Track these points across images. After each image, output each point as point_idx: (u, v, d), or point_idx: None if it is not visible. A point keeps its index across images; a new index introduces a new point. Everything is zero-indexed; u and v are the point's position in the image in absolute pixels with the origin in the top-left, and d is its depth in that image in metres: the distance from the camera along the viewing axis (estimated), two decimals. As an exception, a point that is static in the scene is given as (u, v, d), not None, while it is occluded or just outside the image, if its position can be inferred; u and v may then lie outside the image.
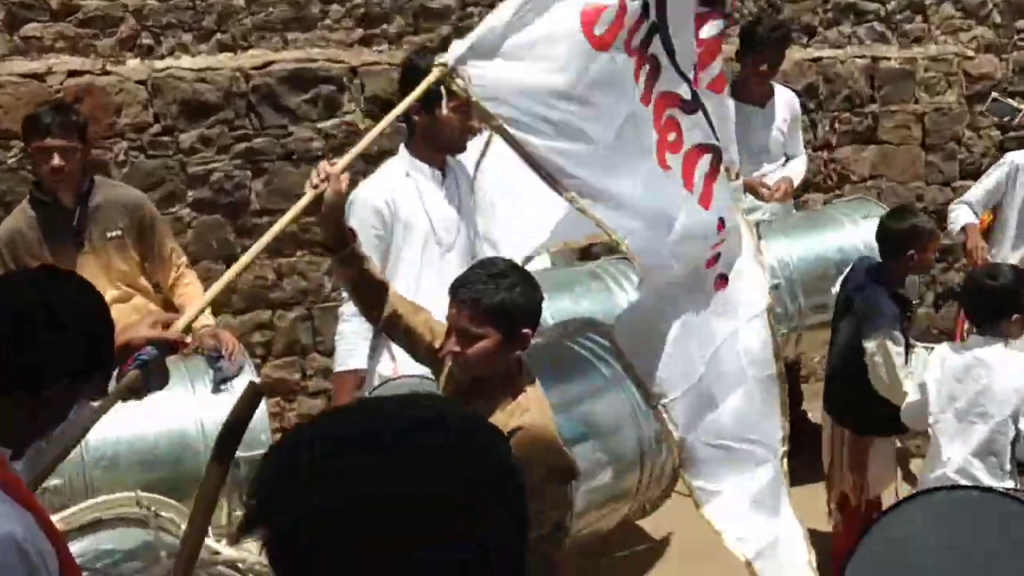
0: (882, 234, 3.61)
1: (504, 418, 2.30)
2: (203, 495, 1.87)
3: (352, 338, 3.15)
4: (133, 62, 4.33)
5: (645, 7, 2.69)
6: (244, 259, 2.30)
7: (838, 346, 3.62)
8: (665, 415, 2.89)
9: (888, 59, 5.59)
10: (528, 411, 2.32)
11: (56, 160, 3.19)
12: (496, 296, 2.27)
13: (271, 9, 4.50)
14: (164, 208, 4.25)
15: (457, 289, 2.33)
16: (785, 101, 4.71)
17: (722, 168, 2.96)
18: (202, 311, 2.34)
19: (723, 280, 3.01)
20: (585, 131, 2.59)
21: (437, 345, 2.49)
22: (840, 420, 3.53)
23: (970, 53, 5.82)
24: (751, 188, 4.36)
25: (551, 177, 2.54)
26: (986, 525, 2.47)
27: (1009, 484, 3.03)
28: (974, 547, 2.42)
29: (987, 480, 3.01)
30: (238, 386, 3.05)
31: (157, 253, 3.48)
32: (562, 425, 2.73)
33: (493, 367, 2.37)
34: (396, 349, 3.05)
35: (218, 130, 4.38)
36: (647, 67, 2.76)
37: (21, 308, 1.61)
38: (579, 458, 2.92)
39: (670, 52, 2.79)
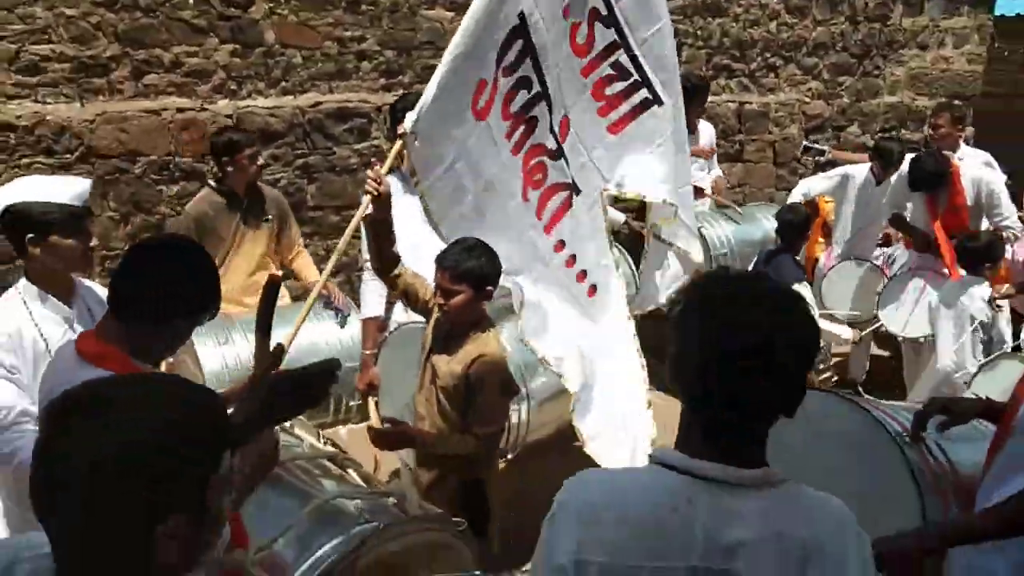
0: (787, 222, 4.61)
1: (472, 349, 2.67)
2: (258, 359, 2.24)
3: (373, 294, 3.63)
4: (223, 102, 5.23)
5: (527, 68, 2.89)
6: (340, 246, 2.74)
7: None
8: (559, 373, 3.05)
9: (751, 103, 6.73)
10: (488, 345, 2.69)
11: (253, 167, 4.02)
12: (468, 263, 2.61)
13: (320, 65, 5.48)
14: (244, 207, 5.38)
15: (441, 258, 2.65)
16: (708, 131, 5.69)
17: (575, 202, 3.14)
18: (317, 294, 2.71)
19: (592, 289, 3.24)
20: (464, 185, 2.87)
21: (427, 300, 2.86)
22: None
23: (807, 99, 6.99)
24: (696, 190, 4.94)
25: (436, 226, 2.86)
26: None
27: None
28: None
29: None
30: (352, 318, 4.13)
31: (289, 234, 4.29)
32: (515, 354, 3.21)
33: (467, 315, 2.69)
34: None
35: (283, 150, 5.31)
36: (523, 127, 2.96)
37: (167, 263, 1.89)
38: (532, 376, 3.44)
39: (550, 112, 3.00)
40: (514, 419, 3.37)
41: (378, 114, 5.54)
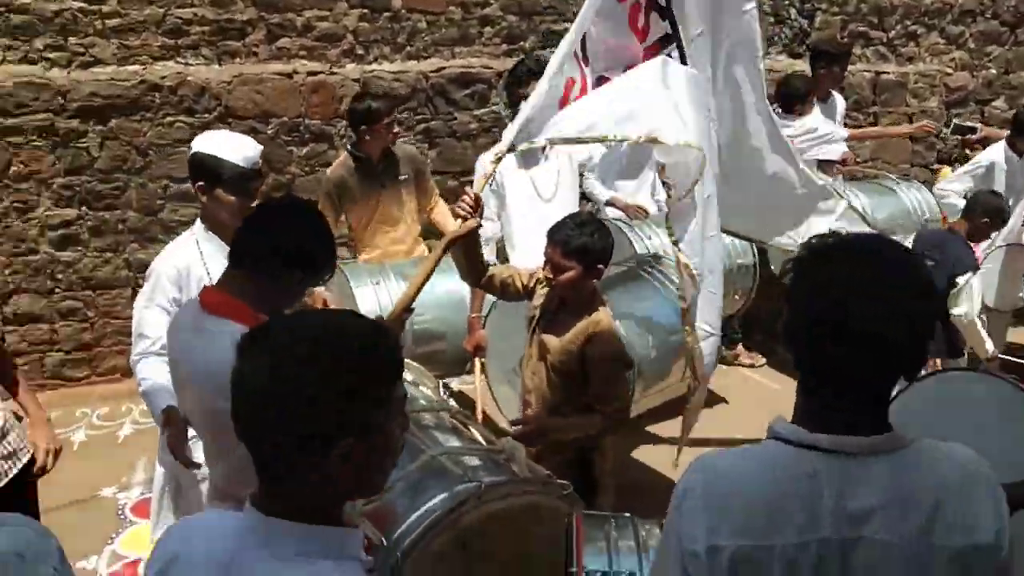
0: (994, 207, 4.21)
1: (584, 327, 2.68)
2: (422, 274, 2.50)
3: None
4: (351, 66, 5.40)
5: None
6: (419, 280, 2.63)
7: None
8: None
9: (887, 73, 6.47)
10: (600, 322, 2.69)
11: (389, 135, 4.13)
12: (579, 239, 2.61)
13: (444, 31, 5.59)
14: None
15: (553, 232, 2.67)
16: (839, 102, 5.46)
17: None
18: (411, 300, 2.60)
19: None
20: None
21: (527, 284, 2.90)
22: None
23: (949, 70, 6.64)
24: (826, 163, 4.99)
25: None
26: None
27: None
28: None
29: None
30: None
31: (426, 188, 4.43)
32: (624, 329, 3.22)
33: (576, 291, 2.69)
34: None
35: (406, 115, 5.42)
36: None
37: (288, 220, 2.02)
38: (638, 348, 3.43)
39: None
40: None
41: (499, 80, 5.56)
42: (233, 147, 2.72)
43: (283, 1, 5.30)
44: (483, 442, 2.37)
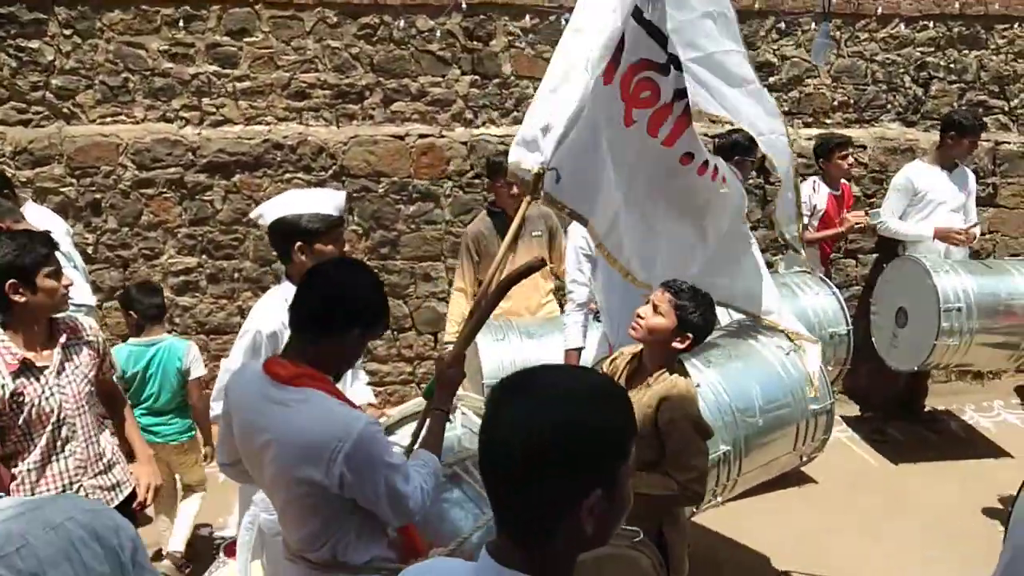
0: None
1: (659, 389, 2.62)
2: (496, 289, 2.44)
3: (575, 325, 3.83)
4: (460, 129, 5.61)
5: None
6: (476, 322, 2.52)
7: None
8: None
9: (1008, 143, 6.26)
10: (677, 384, 2.63)
11: (514, 189, 4.17)
12: (688, 302, 2.65)
13: None
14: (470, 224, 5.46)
15: (669, 281, 2.71)
16: (969, 173, 5.40)
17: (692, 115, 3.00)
18: (469, 342, 2.51)
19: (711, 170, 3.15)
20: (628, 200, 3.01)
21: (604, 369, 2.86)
22: None
23: None
24: (945, 235, 5.07)
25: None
26: None
27: None
28: None
29: None
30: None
31: (557, 246, 4.53)
32: (731, 396, 3.20)
33: (657, 345, 2.66)
34: (611, 335, 3.61)
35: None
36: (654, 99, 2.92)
37: (343, 279, 2.06)
38: (746, 417, 3.25)
39: (646, 24, 2.81)
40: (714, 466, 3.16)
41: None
42: (321, 200, 2.79)
43: (400, 68, 5.57)
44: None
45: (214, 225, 5.44)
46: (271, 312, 2.73)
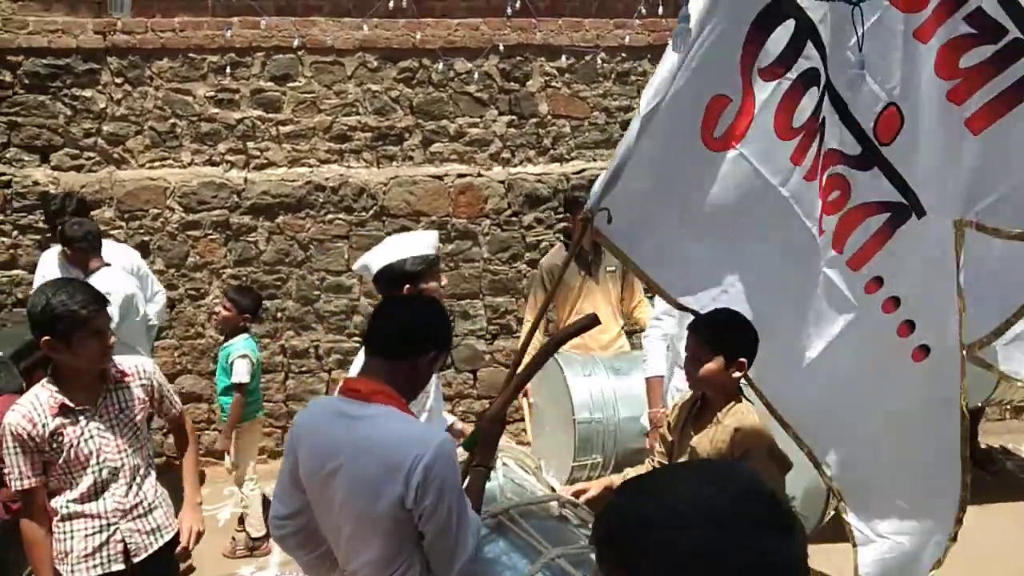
0: None
1: (728, 422, 2.56)
2: (530, 366, 2.44)
3: (657, 352, 3.81)
4: (497, 168, 5.70)
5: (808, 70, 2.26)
6: (524, 372, 2.51)
7: None
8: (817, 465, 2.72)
9: None
10: (745, 418, 2.56)
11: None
12: (721, 332, 2.54)
13: (587, 134, 5.78)
14: (509, 263, 5.65)
15: (693, 324, 2.61)
16: None
17: (906, 229, 2.32)
18: (511, 400, 2.44)
19: (922, 351, 2.44)
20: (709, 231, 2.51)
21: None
22: None
23: None
24: None
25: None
26: None
27: None
28: None
29: None
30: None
31: (631, 285, 4.52)
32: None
33: (717, 386, 2.60)
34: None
35: (547, 214, 5.69)
36: (803, 136, 2.35)
37: (415, 309, 2.19)
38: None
39: (839, 104, 2.28)
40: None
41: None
42: (421, 243, 2.99)
43: (439, 109, 5.68)
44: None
45: (258, 265, 5.56)
46: None
